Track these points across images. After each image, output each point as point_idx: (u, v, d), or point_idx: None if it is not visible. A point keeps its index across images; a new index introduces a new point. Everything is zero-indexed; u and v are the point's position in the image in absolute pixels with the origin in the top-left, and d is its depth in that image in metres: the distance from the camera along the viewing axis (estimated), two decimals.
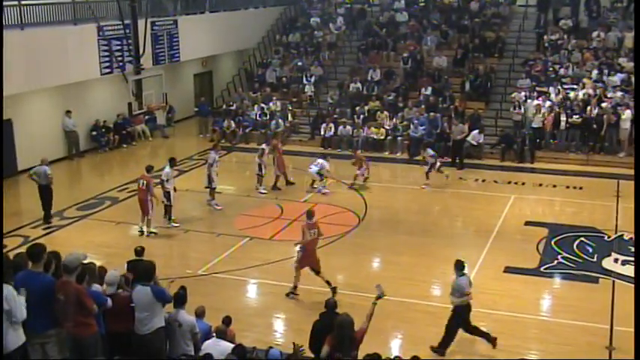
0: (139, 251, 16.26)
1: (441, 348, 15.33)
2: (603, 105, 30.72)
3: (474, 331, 15.56)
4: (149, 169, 22.78)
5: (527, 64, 35.58)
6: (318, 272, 17.99)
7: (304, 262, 18.06)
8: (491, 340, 15.47)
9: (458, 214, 25.32)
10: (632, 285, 18.54)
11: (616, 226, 23.18)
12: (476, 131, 31.31)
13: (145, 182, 22.14)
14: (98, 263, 13.14)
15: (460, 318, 15.33)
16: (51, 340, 10.36)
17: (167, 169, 22.99)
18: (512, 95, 32.84)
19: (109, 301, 11.10)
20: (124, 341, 11.42)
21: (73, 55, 29.23)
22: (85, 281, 10.91)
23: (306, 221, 18.24)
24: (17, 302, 9.64)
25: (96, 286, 11.56)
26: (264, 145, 27.18)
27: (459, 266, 15.36)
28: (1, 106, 23.42)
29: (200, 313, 13.11)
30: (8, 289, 9.63)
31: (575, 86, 32.93)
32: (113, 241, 21.64)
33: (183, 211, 24.29)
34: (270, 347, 12.81)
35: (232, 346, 12.09)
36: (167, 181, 22.72)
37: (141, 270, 11.76)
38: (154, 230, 22.45)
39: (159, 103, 34.29)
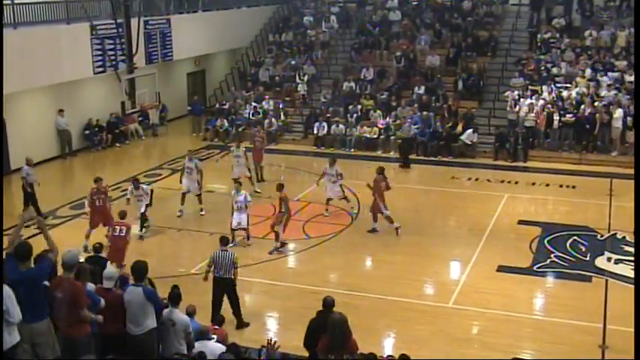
0: (97, 248, 16.40)
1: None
2: (596, 104, 30.78)
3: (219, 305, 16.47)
4: (97, 180, 22.20)
5: (520, 62, 35.66)
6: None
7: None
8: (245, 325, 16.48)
9: (451, 213, 25.34)
10: (625, 284, 18.67)
11: (609, 224, 23.23)
12: (470, 130, 31.36)
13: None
14: None
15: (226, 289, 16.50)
16: (43, 340, 10.33)
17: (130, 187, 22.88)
18: (505, 94, 32.90)
19: (102, 302, 11.09)
20: (117, 341, 11.41)
21: (66, 54, 29.15)
22: (81, 280, 10.91)
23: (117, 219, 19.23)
24: (14, 302, 9.62)
25: (90, 285, 11.56)
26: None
27: (223, 242, 16.73)
28: (1, 104, 23.38)
29: (191, 312, 13.09)
30: (6, 289, 9.61)
31: (568, 85, 33.01)
32: (106, 240, 21.53)
33: (176, 210, 24.26)
34: (264, 346, 12.79)
35: (220, 345, 12.09)
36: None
37: (134, 270, 11.73)
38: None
39: (152, 102, 34.23)
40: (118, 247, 18.53)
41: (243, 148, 26.54)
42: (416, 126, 32.22)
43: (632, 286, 18.14)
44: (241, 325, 16.49)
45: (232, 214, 21.63)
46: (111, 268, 12.36)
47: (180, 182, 24.58)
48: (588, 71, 33.43)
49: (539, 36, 36.91)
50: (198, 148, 33.41)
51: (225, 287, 16.46)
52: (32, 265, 10.38)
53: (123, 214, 19.28)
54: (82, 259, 13.90)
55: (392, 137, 32.67)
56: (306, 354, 12.18)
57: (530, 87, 33.25)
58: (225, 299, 16.50)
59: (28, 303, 9.98)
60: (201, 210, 24.49)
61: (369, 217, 24.22)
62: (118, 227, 18.84)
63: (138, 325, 11.38)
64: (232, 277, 16.45)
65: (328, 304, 12.48)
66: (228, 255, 16.42)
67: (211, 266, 16.49)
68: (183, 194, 24.30)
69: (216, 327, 13.67)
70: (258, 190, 26.33)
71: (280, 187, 21.35)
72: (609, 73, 33.03)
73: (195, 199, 24.62)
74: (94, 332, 11.00)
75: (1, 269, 9.78)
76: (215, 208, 24.87)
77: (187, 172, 24.32)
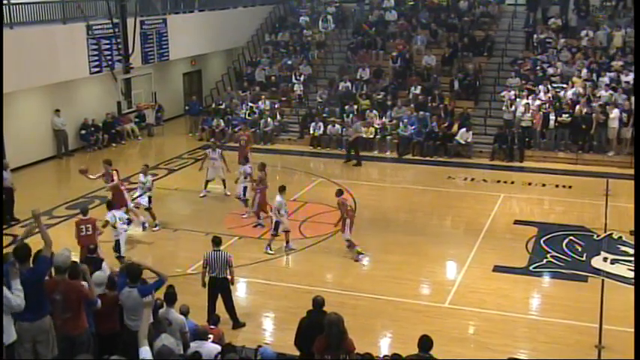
0: (92, 249, 16.22)
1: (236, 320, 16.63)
2: (592, 104, 30.78)
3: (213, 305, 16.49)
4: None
5: (516, 62, 35.64)
6: None
7: None
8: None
9: (447, 213, 25.34)
10: (622, 284, 18.72)
11: (605, 224, 23.22)
12: (463, 129, 31.37)
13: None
14: None
15: (220, 290, 16.47)
16: (43, 339, 10.34)
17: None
18: (502, 94, 32.92)
19: (99, 302, 11.07)
20: (113, 341, 11.41)
21: (62, 54, 29.13)
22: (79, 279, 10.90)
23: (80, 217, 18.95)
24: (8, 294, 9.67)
25: (86, 285, 11.52)
26: (208, 150, 26.73)
27: (216, 242, 16.62)
28: (1, 105, 23.35)
29: (185, 312, 13.07)
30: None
31: (564, 85, 33.01)
32: (103, 240, 21.45)
33: (173, 210, 24.25)
34: (260, 346, 12.77)
35: (216, 346, 12.07)
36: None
37: (129, 272, 11.71)
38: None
39: (148, 102, 34.23)
40: (88, 246, 17.45)
41: (219, 150, 26.29)
42: (412, 127, 32.22)
43: (629, 286, 18.27)
44: (237, 325, 16.47)
45: (283, 219, 21.15)
46: (100, 274, 12.28)
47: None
48: (584, 71, 33.45)
49: (535, 36, 36.89)
50: (195, 148, 33.43)
51: (219, 287, 16.44)
52: (31, 266, 10.38)
53: (85, 210, 18.92)
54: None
55: (388, 137, 32.68)
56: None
57: (526, 87, 33.26)
58: (220, 299, 16.50)
59: (30, 302, 10.00)
60: (155, 226, 23.18)
61: (365, 216, 24.25)
62: (83, 226, 18.33)
63: (134, 321, 11.39)
64: (228, 277, 16.42)
65: (318, 303, 12.51)
66: (222, 255, 16.37)
67: (206, 267, 16.46)
68: (147, 208, 23.26)
69: (212, 327, 13.67)
70: (229, 193, 25.98)
71: (339, 192, 21.31)
72: (606, 73, 33.02)
73: (191, 198, 24.58)
74: (92, 332, 11.01)
75: (0, 269, 9.78)
76: (210, 208, 24.90)
77: (139, 187, 23.50)
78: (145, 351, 9.70)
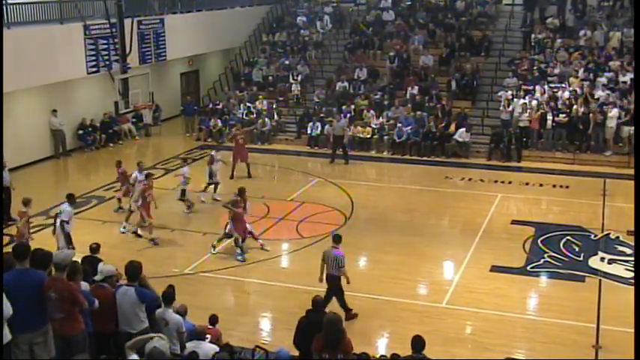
0: (94, 248, 16.07)
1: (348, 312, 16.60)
2: (591, 105, 30.79)
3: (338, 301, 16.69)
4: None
5: (514, 62, 35.64)
6: None
7: None
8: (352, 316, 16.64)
9: (444, 213, 25.32)
10: (619, 284, 18.73)
11: (602, 224, 23.23)
12: (462, 129, 31.36)
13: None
14: None
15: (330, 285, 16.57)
16: (40, 341, 10.31)
17: (66, 207, 20.15)
18: (499, 94, 32.91)
19: (96, 303, 11.03)
20: (110, 341, 11.39)
21: (60, 54, 29.10)
22: (74, 279, 10.87)
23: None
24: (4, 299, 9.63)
25: (84, 285, 11.51)
26: (212, 152, 26.62)
27: (334, 239, 16.90)
28: (1, 103, 23.30)
29: (182, 312, 13.05)
30: None
31: (561, 85, 33.01)
32: (100, 240, 21.30)
33: (170, 209, 24.21)
34: (257, 346, 12.78)
35: (214, 346, 12.07)
36: (68, 222, 19.82)
37: (128, 270, 11.69)
38: None
39: (145, 102, 34.20)
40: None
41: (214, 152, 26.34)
42: (409, 127, 32.21)
43: (626, 286, 18.31)
44: (348, 316, 16.48)
45: None
46: (108, 266, 12.27)
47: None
48: (581, 71, 33.46)
49: (532, 36, 36.91)
50: (192, 148, 33.43)
51: (330, 283, 16.59)
52: (28, 266, 10.32)
53: None
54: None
55: (385, 137, 32.65)
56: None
57: (523, 87, 33.26)
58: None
59: (31, 304, 9.97)
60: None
61: (363, 216, 24.26)
62: None
63: (129, 325, 11.35)
64: (337, 274, 16.50)
65: (318, 304, 12.54)
66: (333, 253, 16.49)
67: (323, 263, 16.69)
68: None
69: (210, 327, 13.66)
70: (218, 198, 25.56)
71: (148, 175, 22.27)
72: (603, 73, 33.02)
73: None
74: (89, 331, 10.98)
75: (1, 269, 9.76)
76: (207, 208, 24.85)
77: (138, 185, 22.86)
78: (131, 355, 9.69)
